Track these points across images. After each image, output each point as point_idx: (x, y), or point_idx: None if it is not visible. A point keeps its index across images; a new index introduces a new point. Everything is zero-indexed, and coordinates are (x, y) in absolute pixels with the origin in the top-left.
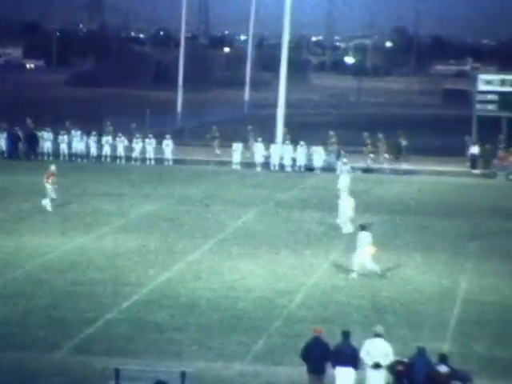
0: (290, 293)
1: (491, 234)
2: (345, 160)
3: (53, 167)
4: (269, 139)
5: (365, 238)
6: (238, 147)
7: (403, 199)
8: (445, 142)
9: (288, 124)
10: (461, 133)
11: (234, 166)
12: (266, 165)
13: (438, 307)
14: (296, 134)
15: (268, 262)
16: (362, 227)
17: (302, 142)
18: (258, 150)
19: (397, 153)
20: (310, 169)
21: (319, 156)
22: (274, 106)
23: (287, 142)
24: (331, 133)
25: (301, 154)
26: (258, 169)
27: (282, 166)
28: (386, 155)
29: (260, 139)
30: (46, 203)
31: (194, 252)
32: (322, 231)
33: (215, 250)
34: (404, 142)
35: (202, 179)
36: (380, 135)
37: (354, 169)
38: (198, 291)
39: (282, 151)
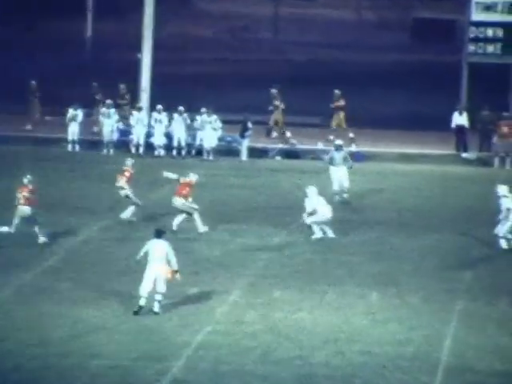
0: None
1: (489, 257)
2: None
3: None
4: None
5: (160, 249)
6: (75, 115)
7: (348, 202)
8: (418, 108)
9: (159, 79)
10: (443, 92)
11: (70, 147)
12: (124, 144)
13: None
14: (172, 95)
15: None
16: (159, 233)
17: (181, 109)
18: (109, 122)
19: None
20: (197, 152)
21: (211, 132)
22: (136, 47)
23: (159, 108)
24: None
25: (179, 128)
26: (106, 151)
27: (150, 147)
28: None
29: (110, 102)
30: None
31: None
32: None
33: None
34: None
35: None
36: (274, 91)
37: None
38: None
39: (147, 123)
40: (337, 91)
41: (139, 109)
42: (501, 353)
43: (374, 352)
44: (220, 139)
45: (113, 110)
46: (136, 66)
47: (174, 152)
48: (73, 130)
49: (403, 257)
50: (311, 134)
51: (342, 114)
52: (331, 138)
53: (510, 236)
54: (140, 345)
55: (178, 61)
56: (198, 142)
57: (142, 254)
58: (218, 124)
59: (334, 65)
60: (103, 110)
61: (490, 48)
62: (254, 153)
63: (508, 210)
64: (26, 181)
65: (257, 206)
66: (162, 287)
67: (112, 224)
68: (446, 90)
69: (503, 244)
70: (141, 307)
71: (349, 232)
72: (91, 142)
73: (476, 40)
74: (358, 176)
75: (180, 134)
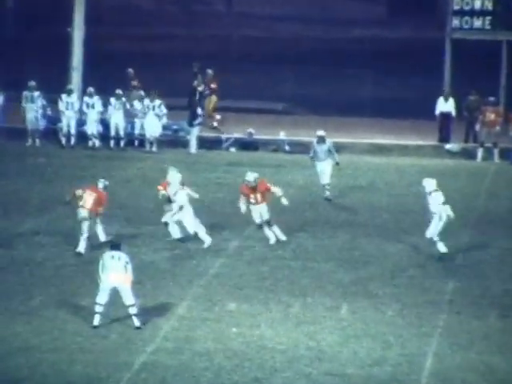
0: None
1: (476, 264)
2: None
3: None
4: (53, 87)
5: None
6: None
7: (314, 199)
8: (393, 92)
9: (92, 57)
10: (423, 73)
11: None
12: (52, 134)
13: None
14: (108, 76)
15: None
16: (114, 246)
17: (118, 92)
18: (32, 107)
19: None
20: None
21: (154, 120)
22: (66, 21)
23: (90, 91)
24: (196, 67)
25: (116, 115)
26: (31, 141)
27: (83, 137)
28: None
29: (33, 84)
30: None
31: None
32: None
33: None
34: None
35: None
36: (210, 71)
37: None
38: None
39: (78, 109)
40: (209, 71)
41: (69, 92)
42: (489, 373)
43: (344, 373)
44: (165, 128)
45: (37, 93)
46: (66, 42)
47: (112, 142)
48: None
49: (377, 264)
50: (272, 122)
51: (214, 98)
52: (215, 124)
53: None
54: (71, 367)
55: (114, 36)
56: (138, 131)
57: (100, 270)
58: (163, 110)
59: (296, 41)
60: (25, 93)
61: (478, 22)
62: (205, 144)
63: (443, 203)
64: None
65: (209, 205)
66: (130, 299)
67: (44, 225)
68: (427, 72)
69: (441, 247)
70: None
71: (315, 235)
72: (13, 131)
73: (461, 13)
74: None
75: (118, 122)
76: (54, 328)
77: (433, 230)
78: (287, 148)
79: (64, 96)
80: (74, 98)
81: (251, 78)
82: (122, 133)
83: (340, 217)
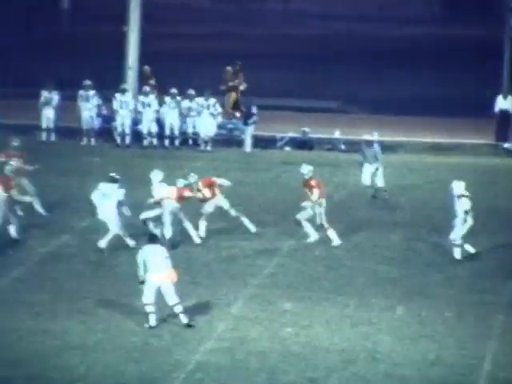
0: None
1: None
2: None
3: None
4: (110, 84)
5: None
6: (49, 99)
7: (369, 199)
8: (449, 90)
9: (148, 56)
10: (480, 72)
11: (44, 136)
12: (107, 133)
13: None
14: (164, 75)
15: None
16: (152, 239)
17: (173, 91)
18: (87, 106)
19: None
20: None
21: (209, 119)
22: (121, 19)
23: (147, 90)
24: (228, 68)
25: (171, 114)
26: (86, 140)
27: (138, 136)
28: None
29: (89, 83)
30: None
31: None
32: None
33: None
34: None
35: None
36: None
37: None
38: None
39: (133, 108)
40: (229, 68)
41: (123, 91)
42: None
43: (400, 374)
44: (219, 127)
45: (92, 92)
46: (122, 41)
47: (167, 142)
48: (47, 116)
49: (433, 264)
50: (327, 121)
51: (234, 96)
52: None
53: (460, 242)
54: (128, 366)
55: (170, 35)
56: (193, 130)
57: (141, 270)
58: (218, 109)
59: (351, 39)
60: (80, 92)
61: None
62: (260, 143)
63: (466, 212)
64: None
65: (264, 204)
66: (173, 298)
67: (97, 225)
68: (484, 70)
69: (457, 253)
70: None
71: (371, 235)
72: (68, 130)
73: None
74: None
75: (173, 121)
76: (110, 327)
77: (457, 233)
78: (342, 147)
79: (118, 95)
80: (129, 96)
81: (306, 77)
82: (176, 132)
83: (395, 217)
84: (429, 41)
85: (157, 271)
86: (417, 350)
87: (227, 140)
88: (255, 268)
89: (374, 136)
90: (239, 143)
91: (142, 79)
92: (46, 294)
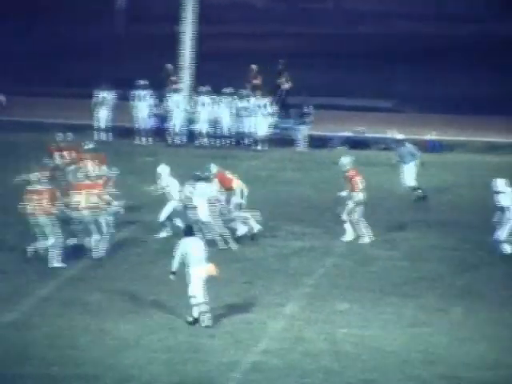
0: None
1: None
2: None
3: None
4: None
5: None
6: (104, 99)
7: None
8: (503, 89)
9: (202, 55)
10: None
11: (98, 135)
12: (161, 133)
13: None
14: (217, 74)
15: None
16: (188, 232)
17: (227, 90)
18: (143, 106)
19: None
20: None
21: (262, 119)
22: (174, 19)
23: (204, 90)
24: (281, 64)
25: (225, 113)
26: (143, 140)
27: (191, 135)
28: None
29: (144, 82)
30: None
31: None
32: None
33: None
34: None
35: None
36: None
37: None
38: None
39: (187, 108)
40: (254, 66)
41: (177, 90)
42: None
43: (457, 376)
44: (274, 126)
45: (147, 92)
46: (176, 40)
47: (220, 141)
48: (102, 116)
49: (490, 265)
50: (382, 120)
51: (258, 94)
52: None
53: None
54: (181, 366)
55: (223, 34)
56: (247, 130)
57: (176, 262)
58: (271, 108)
59: (407, 38)
60: (135, 91)
61: None
62: (314, 142)
63: (507, 208)
64: None
65: (319, 204)
66: (202, 295)
67: (154, 225)
68: None
69: (508, 248)
70: (195, 319)
71: (426, 235)
72: (123, 130)
73: None
74: (436, 169)
75: (226, 120)
76: (164, 327)
77: (503, 230)
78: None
79: (172, 94)
80: (182, 96)
81: (361, 76)
82: (230, 132)
83: (452, 216)
84: (483, 39)
85: (198, 264)
86: (475, 352)
87: (281, 139)
88: (309, 268)
89: (432, 135)
90: (293, 142)
91: (165, 76)
92: (101, 294)
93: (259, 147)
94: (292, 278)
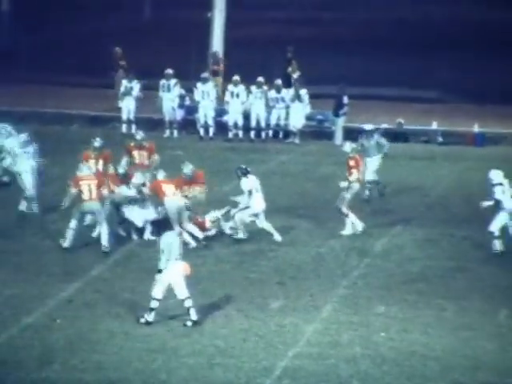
0: None
1: None
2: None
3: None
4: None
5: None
6: (129, 88)
7: (470, 194)
8: None
9: (233, 43)
10: None
11: (125, 128)
12: (190, 125)
13: None
14: (249, 63)
15: None
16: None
17: (260, 80)
18: (169, 96)
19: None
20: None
21: (297, 110)
22: (205, 5)
23: (236, 80)
24: (290, 51)
25: (257, 104)
26: (169, 132)
27: (222, 127)
28: None
29: (170, 72)
30: None
31: None
32: None
33: None
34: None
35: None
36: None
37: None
38: None
39: (215, 98)
40: (215, 51)
41: (204, 80)
42: None
43: (502, 383)
44: (308, 118)
45: (174, 82)
46: (205, 28)
47: (252, 134)
48: (128, 107)
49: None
50: (424, 112)
51: (219, 80)
52: None
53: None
54: (211, 371)
55: (255, 21)
56: (281, 122)
57: (165, 259)
58: (306, 99)
59: (451, 25)
60: (162, 81)
61: None
62: (351, 135)
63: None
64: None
65: (356, 200)
66: (184, 292)
67: None
68: None
69: (497, 245)
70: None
71: (471, 234)
72: (151, 122)
73: None
74: (479, 162)
75: (259, 112)
76: (192, 330)
77: (495, 224)
78: (440, 139)
79: (199, 84)
80: (210, 86)
81: (402, 64)
82: (263, 123)
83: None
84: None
85: (177, 260)
86: None
87: (316, 132)
88: (345, 268)
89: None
90: (329, 135)
91: (114, 60)
92: (125, 295)
93: (296, 140)
94: (327, 279)
